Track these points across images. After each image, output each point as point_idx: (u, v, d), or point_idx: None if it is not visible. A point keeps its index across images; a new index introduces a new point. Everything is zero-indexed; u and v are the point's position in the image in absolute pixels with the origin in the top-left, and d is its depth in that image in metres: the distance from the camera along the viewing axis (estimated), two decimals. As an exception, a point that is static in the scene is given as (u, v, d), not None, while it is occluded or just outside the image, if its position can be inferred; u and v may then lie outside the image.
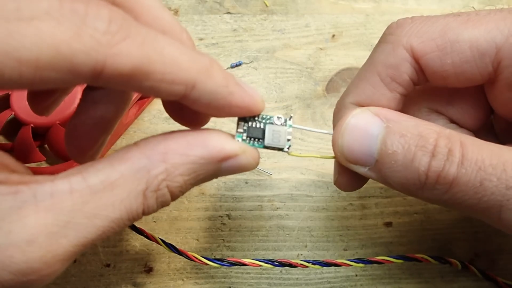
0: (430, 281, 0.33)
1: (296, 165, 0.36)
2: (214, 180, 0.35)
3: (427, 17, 0.24)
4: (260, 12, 0.42)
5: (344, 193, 0.35)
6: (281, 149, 0.23)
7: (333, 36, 0.41)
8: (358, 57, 0.40)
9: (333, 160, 0.25)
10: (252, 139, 0.22)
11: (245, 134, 0.22)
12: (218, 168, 0.21)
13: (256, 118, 0.22)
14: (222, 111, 0.20)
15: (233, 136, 0.22)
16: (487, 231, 0.34)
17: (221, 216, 0.34)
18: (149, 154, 0.19)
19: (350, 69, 0.40)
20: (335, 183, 0.27)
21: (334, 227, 0.34)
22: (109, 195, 0.18)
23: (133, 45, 0.17)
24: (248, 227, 0.34)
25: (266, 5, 0.42)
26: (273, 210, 0.35)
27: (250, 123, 0.22)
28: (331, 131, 0.24)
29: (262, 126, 0.23)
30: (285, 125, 0.23)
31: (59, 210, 0.18)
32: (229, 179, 0.35)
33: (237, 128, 0.22)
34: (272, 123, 0.23)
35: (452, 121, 0.27)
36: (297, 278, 0.33)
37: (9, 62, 0.15)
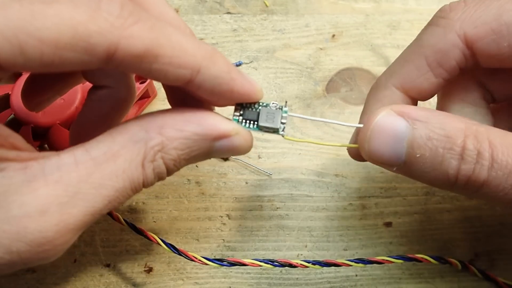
0: (430, 281, 0.33)
1: (296, 165, 0.36)
2: (214, 180, 0.35)
3: (481, 0, 0.23)
4: (260, 12, 0.42)
5: (344, 193, 0.35)
6: (276, 131, 0.23)
7: (333, 36, 0.41)
8: (358, 57, 0.40)
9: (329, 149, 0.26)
10: (248, 121, 0.23)
11: (241, 117, 0.23)
12: (211, 146, 0.21)
13: (253, 105, 0.23)
14: (224, 97, 0.21)
15: (229, 120, 0.22)
16: (487, 231, 0.34)
17: (221, 216, 0.34)
18: (147, 127, 0.20)
19: (350, 69, 0.40)
20: (349, 152, 0.27)
21: (334, 227, 0.34)
22: (112, 165, 0.19)
23: (144, 29, 0.18)
24: (248, 227, 0.34)
25: (266, 5, 0.42)
26: (273, 210, 0.35)
27: (247, 107, 0.23)
28: (321, 118, 0.26)
29: (257, 110, 0.23)
30: (281, 110, 0.23)
31: (67, 181, 0.18)
32: (229, 179, 0.35)
33: (234, 112, 0.23)
34: (267, 106, 0.23)
35: (487, 96, 0.26)
36: (297, 278, 0.33)
37: (32, 41, 0.16)
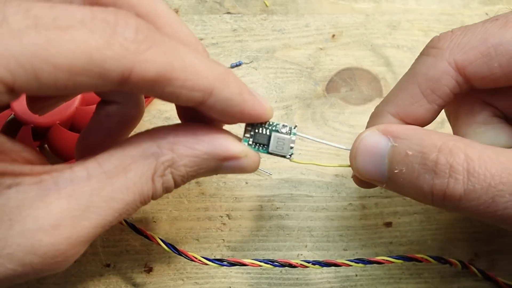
0: (430, 281, 0.33)
1: (296, 165, 0.36)
2: (214, 180, 0.35)
3: (466, 27, 0.24)
4: (260, 12, 0.42)
5: (344, 193, 0.35)
6: (284, 156, 0.24)
7: (333, 36, 0.41)
8: (358, 57, 0.40)
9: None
10: (258, 144, 0.24)
11: (251, 140, 0.24)
12: (219, 165, 0.22)
13: (263, 125, 0.24)
14: (234, 118, 0.22)
15: (240, 139, 0.23)
16: (487, 231, 0.34)
17: (221, 216, 0.34)
18: (159, 142, 0.21)
19: (350, 69, 0.40)
20: (353, 179, 0.28)
21: (334, 227, 0.34)
22: (123, 179, 0.20)
23: (158, 53, 0.18)
24: (248, 227, 0.34)
25: (266, 5, 0.42)
26: (273, 210, 0.35)
27: (257, 129, 0.24)
28: (332, 143, 0.26)
29: (268, 133, 0.24)
30: (290, 134, 0.24)
31: (80, 195, 0.19)
32: (229, 179, 0.35)
33: (244, 133, 0.24)
34: (277, 131, 0.24)
35: (497, 112, 0.27)
36: (297, 278, 0.33)
37: (46, 67, 0.16)
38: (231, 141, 0.22)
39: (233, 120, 0.22)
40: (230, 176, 0.35)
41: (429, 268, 0.33)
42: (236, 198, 0.35)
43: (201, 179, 0.35)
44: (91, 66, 0.17)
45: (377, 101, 0.38)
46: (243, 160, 0.22)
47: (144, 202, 0.21)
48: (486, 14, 0.42)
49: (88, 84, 0.17)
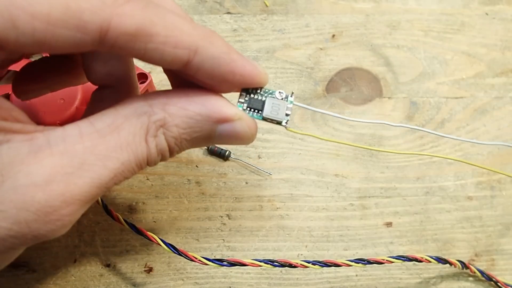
0: (430, 281, 0.33)
1: (296, 165, 0.36)
2: (214, 180, 0.35)
3: None
4: (260, 12, 0.42)
5: (344, 193, 0.35)
6: (279, 123, 0.23)
7: (333, 36, 0.41)
8: (358, 57, 0.40)
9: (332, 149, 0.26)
10: (252, 110, 0.23)
11: (245, 105, 0.23)
12: (213, 129, 0.21)
13: (259, 91, 0.23)
14: (226, 81, 0.21)
15: (234, 105, 0.22)
16: (487, 231, 0.34)
17: (221, 216, 0.34)
18: (151, 102, 0.20)
19: (350, 69, 0.40)
20: None
21: (334, 227, 0.34)
22: (116, 138, 0.19)
23: (136, 7, 0.18)
24: (248, 227, 0.34)
25: (266, 5, 0.42)
26: (273, 210, 0.35)
27: (251, 95, 0.23)
28: (336, 114, 0.25)
29: (263, 99, 0.23)
30: (286, 100, 0.23)
31: (72, 153, 0.19)
32: (229, 179, 0.35)
33: (239, 98, 0.23)
34: (273, 97, 0.23)
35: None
36: (297, 278, 0.33)
37: (23, 15, 0.16)
38: (224, 103, 0.21)
39: (226, 85, 0.21)
40: (230, 176, 0.35)
41: (429, 268, 0.33)
42: (236, 198, 0.35)
43: (201, 179, 0.35)
44: (68, 17, 0.17)
45: (377, 101, 0.38)
46: (237, 124, 0.21)
47: (140, 165, 0.20)
48: (486, 14, 0.42)
49: (67, 38, 0.17)
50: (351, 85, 0.39)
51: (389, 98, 0.39)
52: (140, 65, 0.36)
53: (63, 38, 0.17)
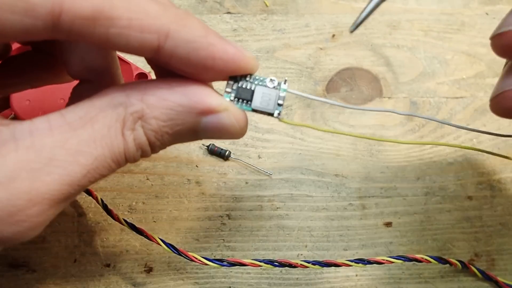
0: (430, 281, 0.33)
1: (296, 165, 0.36)
2: (214, 180, 0.35)
3: None
4: (260, 12, 0.42)
5: (344, 193, 0.35)
6: (270, 114, 0.21)
7: (333, 36, 0.41)
8: (358, 57, 0.40)
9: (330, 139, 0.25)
10: (241, 100, 0.21)
11: (232, 94, 0.21)
12: (197, 122, 0.19)
13: (248, 79, 0.21)
14: (207, 68, 0.19)
15: (221, 95, 0.20)
16: (487, 231, 0.34)
17: (221, 216, 0.34)
18: (129, 92, 0.19)
19: (350, 69, 0.40)
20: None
21: (334, 227, 0.34)
22: (89, 131, 0.18)
23: None
24: (248, 227, 0.34)
25: (266, 5, 0.42)
26: (273, 210, 0.35)
27: (239, 84, 0.21)
28: (323, 99, 0.23)
29: (252, 88, 0.21)
30: (278, 89, 0.21)
31: (40, 147, 0.17)
32: (229, 179, 0.35)
33: (226, 87, 0.21)
34: (263, 85, 0.21)
35: None
36: (297, 278, 0.33)
37: None
38: (208, 92, 0.19)
39: (207, 72, 0.19)
40: (230, 176, 0.35)
41: (429, 268, 0.33)
42: (236, 198, 0.35)
43: (201, 179, 0.35)
44: (14, 0, 0.15)
45: (377, 101, 0.38)
46: (223, 116, 0.19)
47: (117, 161, 0.19)
48: (486, 14, 0.42)
49: (15, 24, 0.16)
50: (351, 85, 0.39)
51: (389, 98, 0.39)
52: (140, 65, 0.36)
53: (11, 24, 0.16)
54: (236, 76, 0.20)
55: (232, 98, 0.21)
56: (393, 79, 0.39)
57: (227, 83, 0.21)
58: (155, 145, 0.19)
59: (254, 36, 0.41)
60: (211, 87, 0.20)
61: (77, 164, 0.18)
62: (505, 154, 0.37)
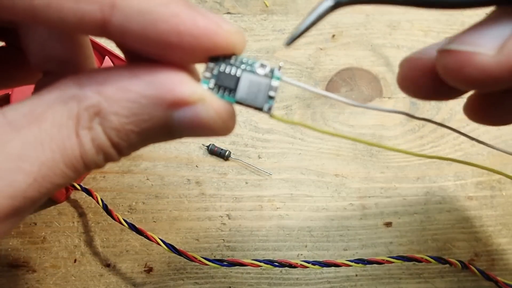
0: (430, 281, 0.33)
1: (296, 165, 0.36)
2: (214, 180, 0.35)
3: None
4: (260, 12, 0.42)
5: (344, 193, 0.35)
6: (259, 109, 0.17)
7: (333, 36, 0.41)
8: (358, 57, 0.40)
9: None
10: (223, 89, 0.16)
11: (212, 81, 0.16)
12: (168, 117, 0.15)
13: (233, 62, 0.16)
14: (172, 48, 0.15)
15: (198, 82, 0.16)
16: (487, 231, 0.34)
17: (221, 216, 0.34)
18: (83, 82, 0.15)
19: (350, 69, 0.40)
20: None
21: (334, 227, 0.34)
22: (35, 131, 0.15)
23: None
24: (248, 227, 0.34)
25: (266, 5, 0.42)
26: (273, 210, 0.35)
27: (221, 68, 0.16)
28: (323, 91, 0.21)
29: (237, 74, 0.16)
30: (270, 77, 0.17)
31: None
32: (229, 179, 0.35)
33: (204, 71, 0.16)
34: (252, 72, 0.16)
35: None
36: (297, 278, 0.33)
37: None
38: (180, 80, 0.15)
39: (176, 52, 0.15)
40: (230, 176, 0.35)
41: (429, 268, 0.33)
42: (236, 198, 0.35)
43: (201, 179, 0.35)
44: None
45: (377, 101, 0.38)
46: (199, 108, 0.15)
47: (72, 166, 0.15)
48: (486, 14, 0.42)
49: None
50: (351, 85, 0.39)
51: (389, 98, 0.39)
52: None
53: None
54: (218, 57, 0.16)
55: (211, 86, 0.16)
56: (393, 79, 0.39)
57: (206, 66, 0.16)
58: (120, 146, 0.16)
59: (254, 36, 0.41)
60: (194, 72, 0.17)
61: (20, 172, 0.14)
62: (505, 154, 0.37)
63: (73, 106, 0.15)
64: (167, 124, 0.16)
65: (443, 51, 0.17)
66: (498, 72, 0.15)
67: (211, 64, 0.16)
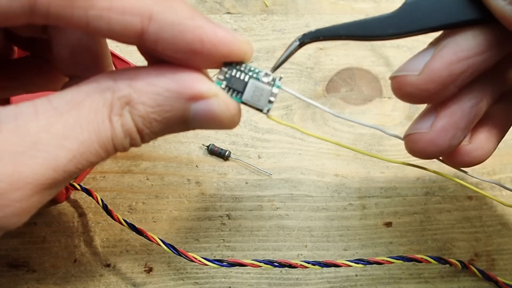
0: (430, 281, 0.33)
1: (296, 165, 0.36)
2: (214, 180, 0.35)
3: None
4: (260, 12, 0.42)
5: (344, 193, 0.35)
6: (259, 110, 0.21)
7: (333, 36, 0.41)
8: (358, 57, 0.40)
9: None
10: (232, 90, 0.20)
11: (224, 82, 0.20)
12: (186, 109, 0.19)
13: (243, 69, 0.20)
14: (195, 53, 0.18)
15: (213, 81, 0.20)
16: (487, 231, 0.34)
17: (221, 216, 0.34)
18: (116, 77, 0.18)
19: (350, 69, 0.40)
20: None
21: (334, 227, 0.34)
22: (76, 115, 0.17)
23: None
24: (248, 227, 0.34)
25: (266, 5, 0.42)
26: (273, 210, 0.35)
27: (233, 73, 0.20)
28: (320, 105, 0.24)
29: (245, 79, 0.20)
30: (272, 85, 0.21)
31: (25, 131, 0.17)
32: (229, 179, 0.35)
33: (218, 74, 0.20)
34: (257, 79, 0.21)
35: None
36: (297, 278, 0.33)
37: None
38: (198, 78, 0.19)
39: (197, 58, 0.18)
40: (230, 176, 0.35)
41: (429, 268, 0.33)
42: (236, 198, 0.35)
43: (201, 179, 0.35)
44: None
45: (377, 101, 0.38)
46: (212, 102, 0.19)
47: (104, 147, 0.18)
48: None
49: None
50: (351, 85, 0.39)
51: (389, 98, 0.39)
52: (140, 65, 0.36)
53: None
54: (231, 63, 0.20)
55: (223, 87, 0.20)
56: (393, 79, 0.39)
57: (221, 69, 0.20)
58: (143, 133, 0.19)
59: (254, 36, 0.41)
60: (206, 74, 0.20)
61: (63, 149, 0.17)
62: (505, 154, 0.37)
63: (108, 95, 0.18)
64: (185, 115, 0.19)
65: (390, 78, 0.23)
66: (423, 86, 0.21)
67: (225, 69, 0.20)
